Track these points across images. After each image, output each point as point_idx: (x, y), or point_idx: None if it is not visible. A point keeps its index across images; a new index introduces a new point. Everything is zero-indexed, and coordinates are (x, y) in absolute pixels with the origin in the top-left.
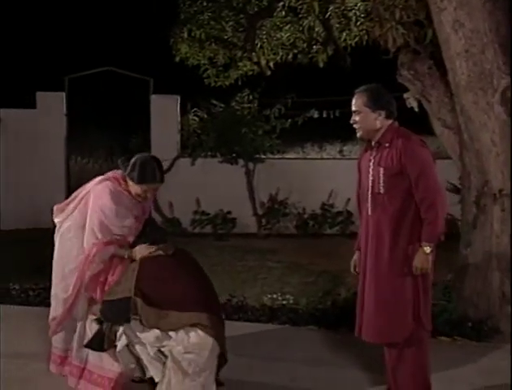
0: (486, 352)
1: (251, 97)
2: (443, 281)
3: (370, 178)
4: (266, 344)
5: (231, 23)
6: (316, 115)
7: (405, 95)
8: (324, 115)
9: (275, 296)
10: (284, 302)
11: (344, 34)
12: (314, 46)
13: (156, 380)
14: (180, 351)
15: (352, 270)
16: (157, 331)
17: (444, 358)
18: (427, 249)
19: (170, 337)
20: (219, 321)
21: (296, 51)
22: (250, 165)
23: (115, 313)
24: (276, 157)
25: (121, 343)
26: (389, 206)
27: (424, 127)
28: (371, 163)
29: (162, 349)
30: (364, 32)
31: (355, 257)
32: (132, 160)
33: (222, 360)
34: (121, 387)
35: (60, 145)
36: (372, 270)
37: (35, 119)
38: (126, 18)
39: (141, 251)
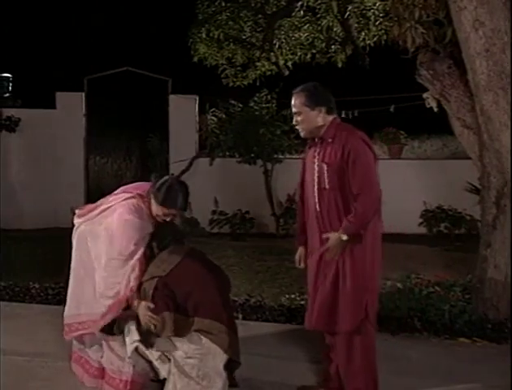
0: (506, 354)
1: (269, 97)
2: (462, 282)
3: (316, 174)
4: (284, 345)
5: (249, 23)
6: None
7: (425, 95)
8: (343, 115)
9: (293, 296)
10: (303, 302)
11: (363, 34)
12: (333, 46)
13: None
14: (181, 355)
15: (297, 264)
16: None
17: (463, 360)
18: (343, 237)
19: (170, 341)
20: (227, 327)
21: (314, 51)
22: (268, 165)
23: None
24: (294, 157)
25: (130, 348)
26: (337, 201)
27: (444, 127)
28: (315, 159)
29: (165, 353)
30: (383, 31)
31: (299, 252)
32: (161, 180)
33: (234, 365)
34: (139, 388)
35: (79, 145)
36: (323, 264)
37: (54, 120)
38: (144, 18)
39: (142, 310)
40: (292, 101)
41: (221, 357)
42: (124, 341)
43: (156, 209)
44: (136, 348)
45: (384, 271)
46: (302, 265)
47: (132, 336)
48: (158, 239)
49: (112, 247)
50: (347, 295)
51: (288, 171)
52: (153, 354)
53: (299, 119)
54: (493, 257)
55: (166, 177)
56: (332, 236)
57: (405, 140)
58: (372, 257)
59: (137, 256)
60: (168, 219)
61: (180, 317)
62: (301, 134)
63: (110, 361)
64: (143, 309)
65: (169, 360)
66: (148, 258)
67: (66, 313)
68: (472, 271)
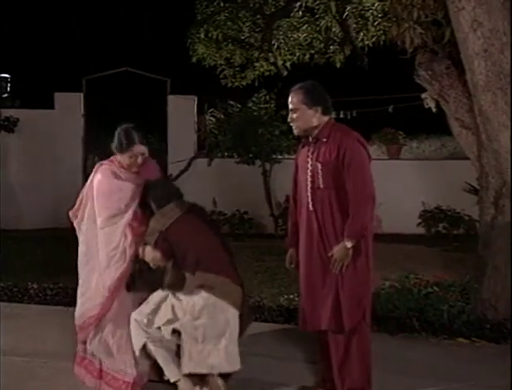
0: (505, 354)
1: (268, 97)
2: (461, 282)
3: (309, 173)
4: (283, 345)
5: (248, 23)
6: (333, 116)
7: (423, 95)
8: (341, 116)
9: (291, 296)
10: None
11: (362, 34)
12: (331, 46)
13: (171, 381)
14: (189, 320)
15: (288, 265)
16: (163, 311)
17: (462, 360)
18: (348, 244)
19: (175, 310)
20: (232, 281)
21: (313, 51)
22: (267, 165)
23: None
24: (293, 157)
25: (137, 345)
26: (331, 200)
27: (442, 128)
28: (309, 159)
29: (175, 327)
30: (381, 32)
31: (290, 252)
32: (114, 136)
33: (246, 321)
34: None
35: (78, 145)
36: (319, 264)
37: (53, 120)
38: (143, 19)
39: (148, 254)
40: (290, 99)
41: (231, 312)
42: (130, 338)
43: (124, 159)
44: (144, 346)
45: (382, 271)
46: (293, 265)
47: (140, 335)
48: (156, 200)
49: (100, 217)
50: (347, 295)
51: (286, 172)
52: (162, 350)
53: (295, 116)
54: (492, 257)
55: (116, 132)
56: (337, 248)
57: (403, 140)
58: (366, 256)
59: (126, 219)
60: (140, 161)
61: (179, 273)
62: (295, 132)
63: (114, 361)
64: (149, 252)
65: (179, 335)
66: (148, 218)
67: (76, 313)
68: (471, 272)
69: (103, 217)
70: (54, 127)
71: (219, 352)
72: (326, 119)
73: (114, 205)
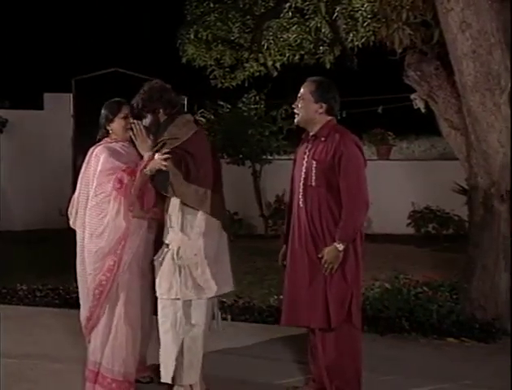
0: (494, 353)
1: (258, 98)
2: (450, 282)
3: (303, 170)
4: (273, 345)
5: (237, 24)
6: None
7: (412, 96)
8: None
9: (281, 297)
10: None
11: (351, 35)
12: (321, 47)
13: (188, 383)
14: (189, 245)
15: (280, 263)
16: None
17: (452, 360)
18: (340, 247)
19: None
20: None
21: (302, 52)
22: (257, 166)
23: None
24: (283, 158)
25: (177, 342)
26: (320, 199)
27: (432, 128)
28: (305, 156)
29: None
30: (371, 32)
31: (284, 250)
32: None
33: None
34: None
35: (67, 146)
36: (306, 261)
37: (42, 120)
38: (133, 19)
39: (156, 160)
40: (302, 88)
41: (225, 235)
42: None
43: (118, 123)
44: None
45: (372, 272)
46: (286, 263)
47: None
48: (170, 104)
49: (96, 181)
50: (334, 293)
51: (276, 172)
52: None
53: (299, 104)
54: (481, 257)
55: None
56: (327, 250)
57: (393, 141)
58: (356, 257)
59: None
60: (132, 121)
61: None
62: (295, 121)
63: (113, 360)
64: (157, 159)
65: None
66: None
67: (81, 317)
68: (460, 272)
69: (101, 175)
70: (44, 127)
71: (214, 276)
72: (328, 118)
73: (114, 165)
